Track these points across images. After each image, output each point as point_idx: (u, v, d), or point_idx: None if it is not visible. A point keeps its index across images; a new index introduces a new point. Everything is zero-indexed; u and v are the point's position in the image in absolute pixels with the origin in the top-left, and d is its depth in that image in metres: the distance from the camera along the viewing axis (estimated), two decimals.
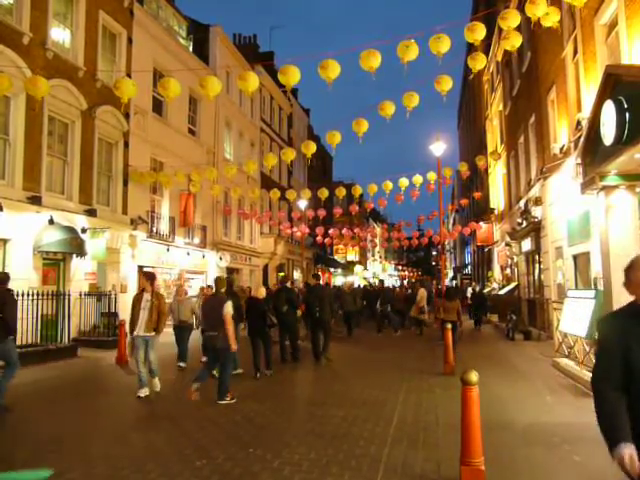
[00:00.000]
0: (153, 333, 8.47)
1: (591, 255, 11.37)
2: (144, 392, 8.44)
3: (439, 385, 9.16)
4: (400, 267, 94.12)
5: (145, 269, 18.96)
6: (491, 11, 17.16)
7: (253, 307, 10.68)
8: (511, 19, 8.18)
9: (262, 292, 11.13)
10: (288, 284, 13.93)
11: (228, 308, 8.05)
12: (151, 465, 5.29)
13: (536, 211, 16.41)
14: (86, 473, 5.13)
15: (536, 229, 16.54)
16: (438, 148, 18.63)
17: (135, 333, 8.42)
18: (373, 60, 8.44)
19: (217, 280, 8.96)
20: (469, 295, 25.06)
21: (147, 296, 8.51)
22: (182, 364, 11.26)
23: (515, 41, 8.71)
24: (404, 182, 19.77)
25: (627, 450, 2.43)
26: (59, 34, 15.27)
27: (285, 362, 11.87)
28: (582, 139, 8.18)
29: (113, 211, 17.10)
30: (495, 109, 26.71)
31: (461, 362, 10.59)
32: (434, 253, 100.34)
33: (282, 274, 34.78)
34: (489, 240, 28.58)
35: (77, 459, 5.52)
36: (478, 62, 9.46)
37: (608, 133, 6.54)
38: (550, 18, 7.96)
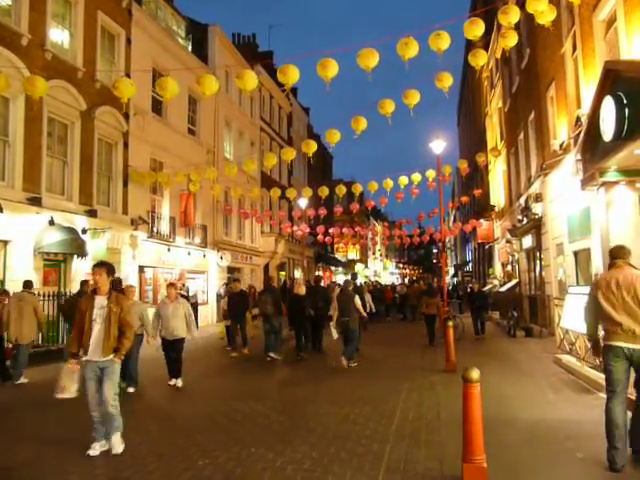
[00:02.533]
0: (111, 356, 5.67)
1: (592, 251, 11.36)
2: (98, 448, 5.68)
3: (441, 382, 9.16)
4: (401, 265, 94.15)
5: (146, 269, 18.99)
6: (490, 7, 17.13)
7: (295, 302, 12.94)
8: (512, 14, 8.15)
9: (303, 290, 13.26)
10: (321, 283, 15.59)
11: (357, 301, 11.51)
12: (153, 465, 5.30)
13: (536, 208, 16.38)
14: (88, 473, 5.13)
15: (537, 226, 16.53)
16: (438, 146, 18.60)
17: (86, 357, 5.69)
18: (371, 59, 8.41)
19: (346, 282, 12.77)
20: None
21: (101, 300, 5.75)
22: (130, 389, 8.92)
23: (511, 40, 8.69)
24: (404, 180, 19.74)
25: None
26: (58, 35, 15.26)
27: (320, 352, 13.34)
28: (582, 135, 8.16)
29: (113, 211, 17.10)
30: (495, 106, 26.67)
31: (462, 359, 10.59)
32: (435, 251, 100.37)
33: (283, 273, 34.82)
34: (490, 237, 28.55)
35: (79, 460, 5.52)
36: (479, 58, 9.44)
37: (608, 129, 6.53)
38: (545, 16, 7.93)
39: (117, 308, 5.79)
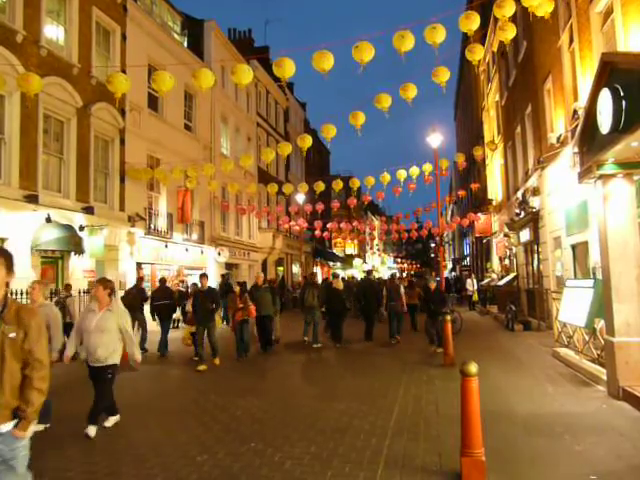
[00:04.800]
0: (10, 425, 3.13)
1: (589, 244, 11.37)
2: None
3: (439, 377, 9.17)
4: (399, 259, 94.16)
5: (144, 266, 18.96)
6: (486, 0, 17.07)
7: (334, 295, 14.01)
8: (507, 7, 8.12)
9: (340, 284, 14.48)
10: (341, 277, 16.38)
11: (402, 290, 14.75)
12: (152, 461, 5.29)
13: (534, 201, 16.39)
14: (86, 470, 5.13)
15: (534, 219, 16.54)
16: (435, 140, 18.60)
17: None
18: (366, 53, 8.38)
19: (393, 275, 16.12)
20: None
21: None
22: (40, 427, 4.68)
23: (510, 33, 8.67)
24: (401, 174, 19.70)
25: None
26: (53, 31, 15.18)
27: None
28: (579, 128, 8.13)
29: (110, 208, 17.06)
30: (491, 100, 26.64)
31: (461, 353, 10.61)
32: (433, 245, 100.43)
33: (281, 269, 34.81)
34: (487, 231, 28.56)
35: (77, 456, 5.52)
36: (476, 53, 9.42)
37: (605, 121, 6.51)
38: (543, 8, 7.91)
39: (18, 332, 3.15)
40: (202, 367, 10.53)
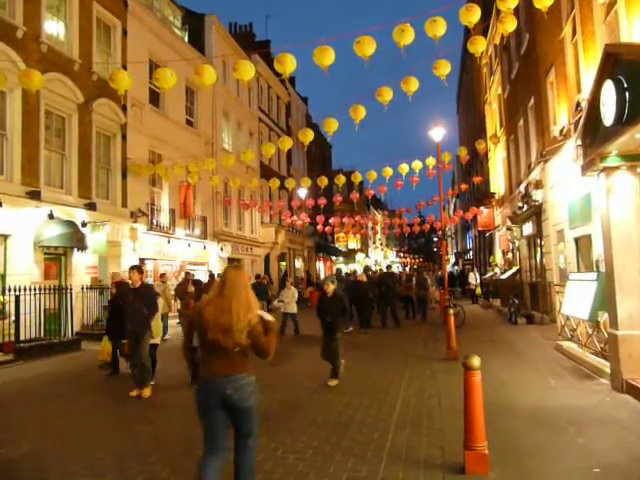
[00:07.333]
0: None
1: (592, 237, 11.33)
2: None
3: (442, 370, 9.17)
4: (402, 254, 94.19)
5: (147, 261, 18.98)
6: None
7: (358, 286, 16.05)
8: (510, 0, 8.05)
9: (364, 277, 16.76)
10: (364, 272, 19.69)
11: (430, 281, 16.26)
12: (154, 457, 5.30)
13: (537, 194, 16.33)
14: (89, 465, 5.13)
15: (537, 213, 16.48)
16: (437, 133, 18.52)
17: None
18: (368, 47, 8.34)
19: (419, 270, 16.84)
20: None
21: None
22: None
23: (510, 25, 8.60)
24: (404, 168, 19.63)
25: None
26: (53, 27, 15.15)
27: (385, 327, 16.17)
28: (582, 120, 8.09)
29: (113, 204, 17.06)
30: (494, 93, 26.51)
31: (463, 347, 10.60)
32: (435, 239, 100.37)
33: (284, 264, 34.82)
34: (490, 225, 28.49)
35: (80, 452, 5.53)
36: (478, 45, 9.34)
37: (608, 113, 6.47)
38: (543, 1, 7.84)
39: None
40: (135, 392, 7.99)
